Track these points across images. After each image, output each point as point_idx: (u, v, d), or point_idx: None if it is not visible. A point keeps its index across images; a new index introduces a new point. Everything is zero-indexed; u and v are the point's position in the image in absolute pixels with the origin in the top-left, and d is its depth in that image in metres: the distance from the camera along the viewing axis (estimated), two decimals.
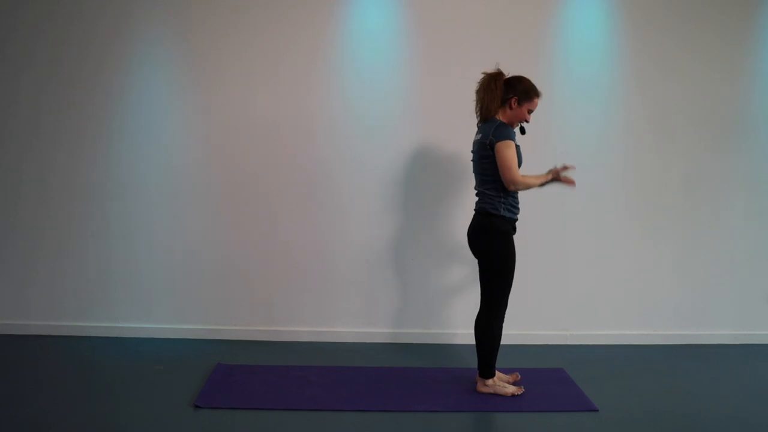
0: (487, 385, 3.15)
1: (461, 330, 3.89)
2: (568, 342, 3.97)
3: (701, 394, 3.27)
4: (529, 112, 3.05)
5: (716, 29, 3.88)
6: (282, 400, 3.03)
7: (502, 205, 3.01)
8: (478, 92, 3.07)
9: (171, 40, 3.74)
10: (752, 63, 3.92)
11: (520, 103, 3.02)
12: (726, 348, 3.95)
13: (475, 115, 3.10)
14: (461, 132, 3.56)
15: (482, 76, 3.06)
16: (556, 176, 3.08)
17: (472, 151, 3.13)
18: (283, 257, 3.86)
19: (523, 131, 3.15)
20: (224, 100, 3.77)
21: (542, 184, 3.07)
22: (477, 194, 3.14)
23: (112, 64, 3.73)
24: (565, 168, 3.08)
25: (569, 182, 3.08)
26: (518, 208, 3.08)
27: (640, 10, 3.84)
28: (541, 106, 3.09)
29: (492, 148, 2.95)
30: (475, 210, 3.14)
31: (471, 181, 3.78)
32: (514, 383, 3.23)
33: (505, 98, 3.03)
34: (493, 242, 3.02)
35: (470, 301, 3.75)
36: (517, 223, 3.10)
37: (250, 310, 3.90)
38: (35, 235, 3.81)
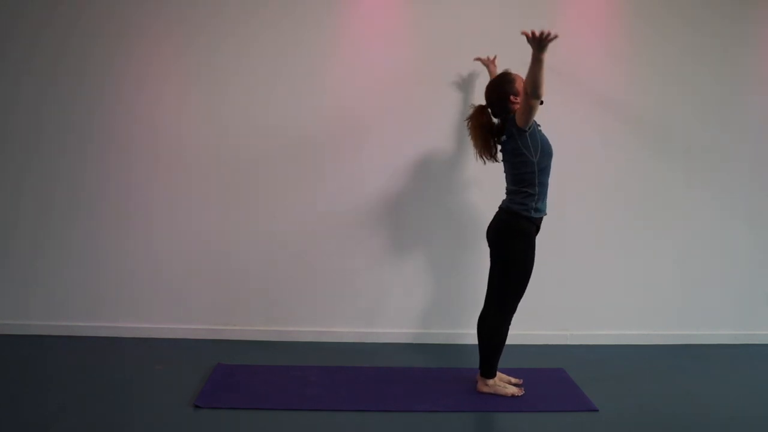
0: (487, 385, 3.15)
1: (462, 330, 3.89)
2: (568, 342, 3.97)
3: (701, 394, 3.27)
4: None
5: (715, 30, 3.88)
6: (282, 400, 3.03)
7: (534, 204, 2.99)
8: (472, 137, 3.11)
9: (173, 41, 3.74)
10: (751, 63, 3.92)
11: (516, 93, 3.01)
12: (726, 348, 3.95)
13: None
14: (464, 131, 3.56)
15: (467, 121, 3.12)
16: (539, 44, 2.71)
17: (504, 155, 3.11)
18: (284, 257, 3.86)
19: (541, 102, 3.06)
20: (225, 102, 3.76)
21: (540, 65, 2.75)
22: (509, 193, 3.10)
23: (114, 67, 3.72)
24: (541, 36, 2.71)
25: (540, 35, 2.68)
26: (546, 205, 3.07)
27: (640, 11, 3.84)
28: (540, 107, 3.09)
29: (520, 130, 2.92)
30: (500, 207, 3.12)
31: (472, 180, 3.81)
32: (516, 385, 3.22)
33: (502, 110, 3.03)
34: (516, 244, 3.01)
35: (471, 301, 3.75)
36: (541, 222, 3.09)
37: (250, 310, 3.90)
38: (36, 236, 3.81)
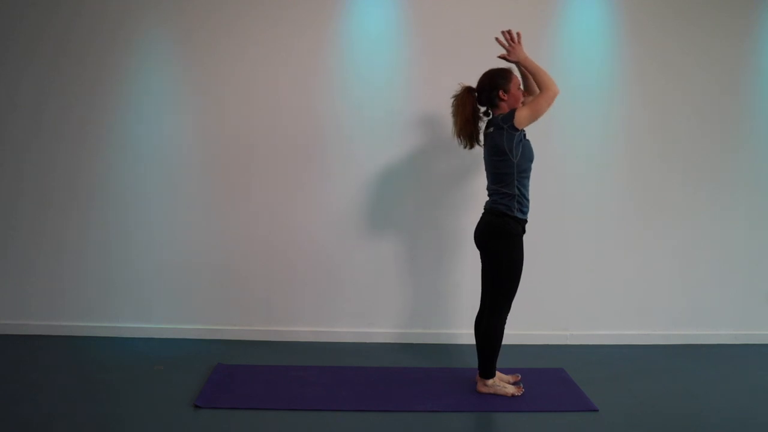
0: (487, 385, 3.15)
1: (461, 330, 3.89)
2: (568, 342, 3.97)
3: (701, 394, 3.27)
4: (519, 88, 3.04)
5: (716, 28, 3.88)
6: (282, 400, 3.03)
7: (516, 205, 2.98)
8: (454, 114, 3.09)
9: (171, 41, 3.74)
10: (752, 62, 3.92)
11: (506, 90, 3.00)
12: (726, 348, 3.95)
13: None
14: None
15: (452, 99, 3.09)
16: (517, 56, 3.01)
17: (485, 151, 3.10)
18: (283, 257, 3.86)
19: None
20: (223, 102, 3.77)
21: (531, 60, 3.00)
22: (490, 193, 3.09)
23: (113, 66, 3.73)
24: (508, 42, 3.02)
25: (511, 38, 3.01)
26: (528, 208, 3.05)
27: (641, 10, 3.84)
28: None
29: (513, 129, 2.91)
30: (485, 209, 3.11)
31: (472, 179, 3.82)
32: (515, 384, 3.23)
33: (488, 100, 3.03)
34: (504, 244, 3.01)
35: (471, 301, 3.75)
36: (526, 225, 3.07)
37: (250, 310, 3.90)
38: (35, 235, 3.81)
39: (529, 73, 3.02)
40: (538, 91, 3.02)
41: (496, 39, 3.04)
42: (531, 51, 3.72)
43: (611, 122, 3.89)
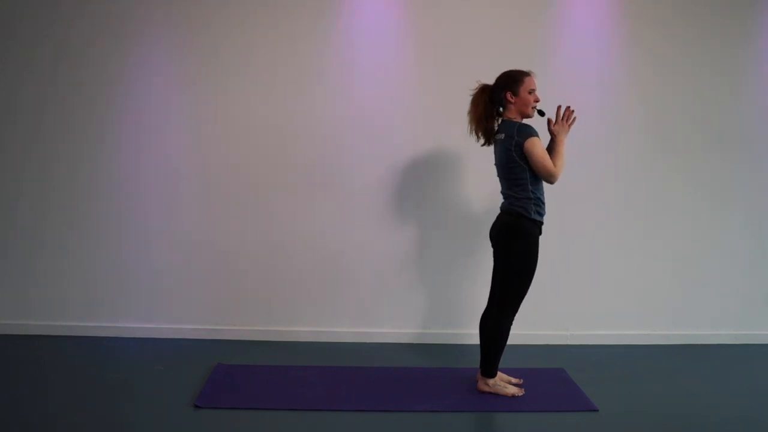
0: (488, 385, 3.15)
1: (462, 330, 3.89)
2: (568, 342, 3.97)
3: (701, 395, 3.27)
4: (531, 92, 3.01)
5: (715, 30, 3.88)
6: (282, 400, 3.04)
7: (533, 207, 2.99)
8: (469, 112, 3.09)
9: (172, 42, 3.74)
10: (752, 64, 3.92)
11: (515, 92, 3.00)
12: (726, 348, 3.95)
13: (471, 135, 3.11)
14: (464, 132, 3.56)
15: (470, 96, 3.09)
16: (557, 132, 3.05)
17: (496, 157, 3.10)
18: (284, 257, 3.86)
19: (541, 113, 3.09)
20: (223, 102, 3.77)
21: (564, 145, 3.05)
22: (506, 197, 3.09)
23: (113, 67, 3.72)
24: (558, 117, 3.07)
25: (566, 116, 3.06)
26: (545, 210, 3.06)
27: (639, 12, 3.84)
28: (540, 107, 3.09)
29: (520, 148, 2.93)
30: (501, 210, 3.11)
31: (474, 180, 3.82)
32: (516, 385, 3.23)
33: (498, 100, 3.03)
34: (520, 244, 3.01)
35: (471, 301, 3.76)
36: (543, 226, 3.07)
37: (250, 310, 3.90)
38: (36, 235, 3.81)
39: (554, 152, 3.02)
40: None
41: (558, 107, 3.07)
42: (529, 53, 3.75)
43: (611, 123, 3.89)
